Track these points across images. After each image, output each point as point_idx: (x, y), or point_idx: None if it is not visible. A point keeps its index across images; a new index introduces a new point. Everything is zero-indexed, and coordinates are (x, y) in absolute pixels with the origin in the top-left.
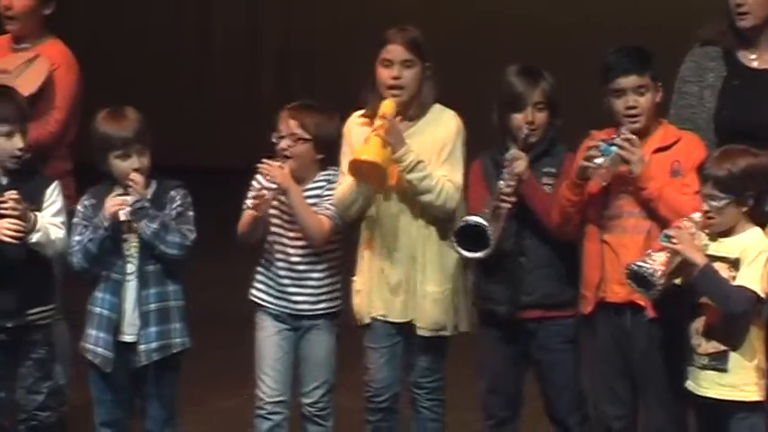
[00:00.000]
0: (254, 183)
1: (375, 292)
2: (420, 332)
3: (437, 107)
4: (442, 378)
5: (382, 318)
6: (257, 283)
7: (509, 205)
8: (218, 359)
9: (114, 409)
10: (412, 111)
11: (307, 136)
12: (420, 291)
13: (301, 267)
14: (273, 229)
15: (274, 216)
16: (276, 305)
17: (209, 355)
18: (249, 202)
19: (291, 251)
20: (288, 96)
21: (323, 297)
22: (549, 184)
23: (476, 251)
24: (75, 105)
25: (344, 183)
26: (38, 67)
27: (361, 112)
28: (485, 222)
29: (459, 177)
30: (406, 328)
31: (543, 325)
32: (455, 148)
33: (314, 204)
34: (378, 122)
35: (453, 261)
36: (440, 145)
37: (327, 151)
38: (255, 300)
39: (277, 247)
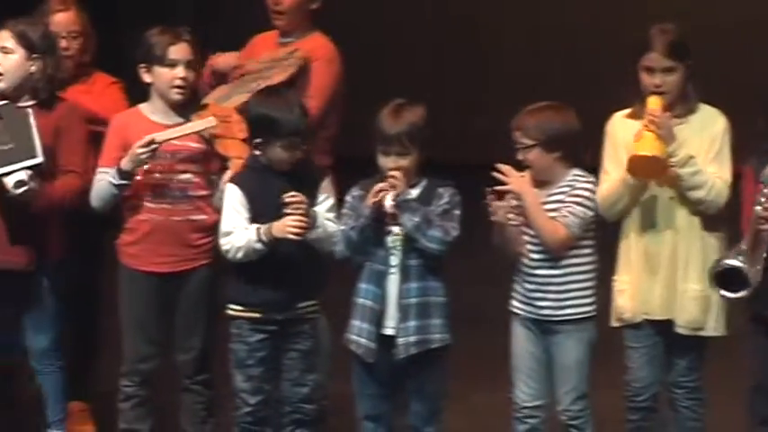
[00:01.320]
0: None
1: (638, 290)
2: (679, 330)
3: (702, 106)
4: (702, 377)
5: (644, 316)
6: (513, 291)
7: None
8: (481, 355)
9: (378, 403)
10: (677, 110)
11: (531, 142)
12: (681, 288)
13: (541, 272)
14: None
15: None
16: (524, 311)
17: (471, 351)
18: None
19: (533, 256)
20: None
21: (568, 302)
22: None
23: (735, 290)
24: (333, 98)
25: (608, 181)
26: (294, 58)
27: (626, 111)
28: (742, 265)
29: (727, 174)
30: (665, 327)
31: None
32: (723, 146)
33: (555, 210)
34: (647, 118)
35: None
36: (708, 142)
37: (563, 147)
38: (510, 308)
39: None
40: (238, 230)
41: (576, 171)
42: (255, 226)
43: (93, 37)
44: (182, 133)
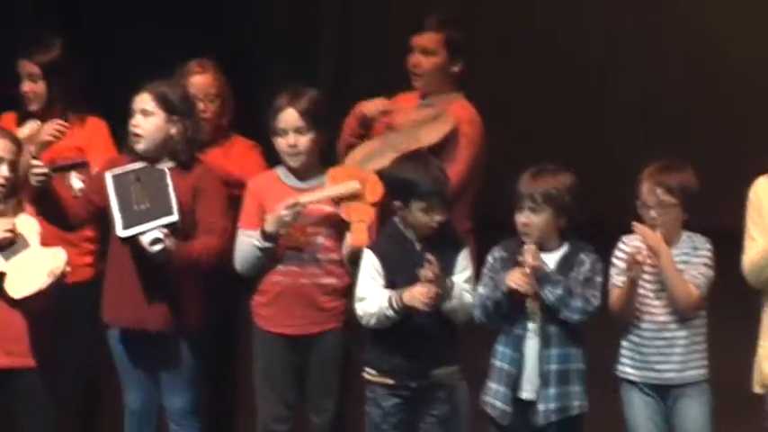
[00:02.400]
0: (619, 245)
1: None
2: None
3: None
4: None
5: None
6: (622, 357)
7: None
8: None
9: None
10: None
11: (674, 201)
12: None
13: (667, 334)
14: (641, 292)
15: (644, 281)
16: (642, 376)
17: (606, 415)
18: (620, 264)
19: (660, 317)
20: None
21: (692, 364)
22: None
23: None
24: (476, 163)
25: (756, 248)
26: (443, 121)
27: None
28: None
29: None
30: None
31: None
32: None
33: (681, 271)
34: None
35: None
36: None
37: (692, 209)
38: (621, 374)
39: (645, 314)
40: (372, 297)
41: (687, 231)
42: (388, 293)
43: (230, 100)
44: (326, 196)
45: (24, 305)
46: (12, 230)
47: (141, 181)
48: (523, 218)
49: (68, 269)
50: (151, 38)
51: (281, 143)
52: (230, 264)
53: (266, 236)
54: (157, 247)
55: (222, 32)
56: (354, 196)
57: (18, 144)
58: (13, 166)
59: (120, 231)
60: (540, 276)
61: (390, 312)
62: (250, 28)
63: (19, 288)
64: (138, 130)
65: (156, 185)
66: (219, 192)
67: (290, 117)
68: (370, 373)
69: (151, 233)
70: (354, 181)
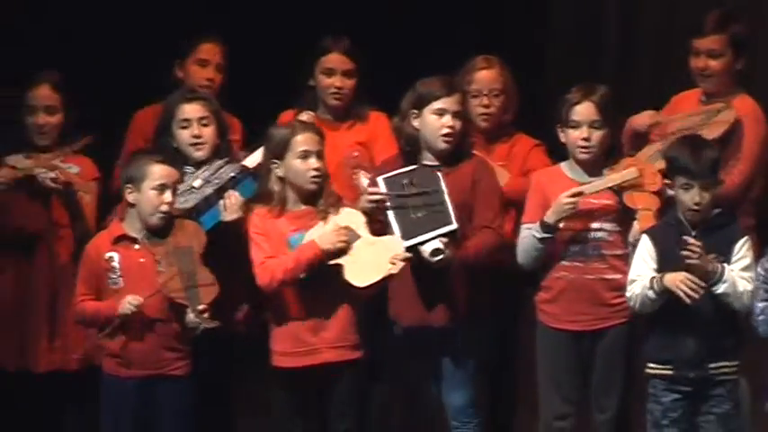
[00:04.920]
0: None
1: None
2: None
3: None
4: None
5: None
6: None
7: None
8: None
9: None
10: None
11: None
12: None
13: None
14: None
15: None
16: None
17: None
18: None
19: None
20: None
21: None
22: None
23: None
24: (760, 160)
25: None
26: (724, 115)
27: None
28: None
29: None
30: None
31: None
32: None
33: None
34: None
35: None
36: None
37: None
38: None
39: None
40: (640, 279)
41: None
42: (651, 275)
43: (515, 96)
44: (608, 185)
45: (359, 295)
46: (346, 238)
47: (415, 185)
48: None
49: (409, 255)
50: (435, 34)
51: (574, 136)
52: (513, 258)
53: (546, 227)
54: (438, 258)
55: (504, 30)
56: (634, 186)
57: (322, 136)
58: (319, 155)
59: (402, 241)
60: None
61: (651, 294)
62: (532, 27)
63: (361, 277)
64: None
65: (429, 189)
66: (496, 185)
67: (586, 110)
68: (650, 367)
69: (431, 244)
70: (633, 168)
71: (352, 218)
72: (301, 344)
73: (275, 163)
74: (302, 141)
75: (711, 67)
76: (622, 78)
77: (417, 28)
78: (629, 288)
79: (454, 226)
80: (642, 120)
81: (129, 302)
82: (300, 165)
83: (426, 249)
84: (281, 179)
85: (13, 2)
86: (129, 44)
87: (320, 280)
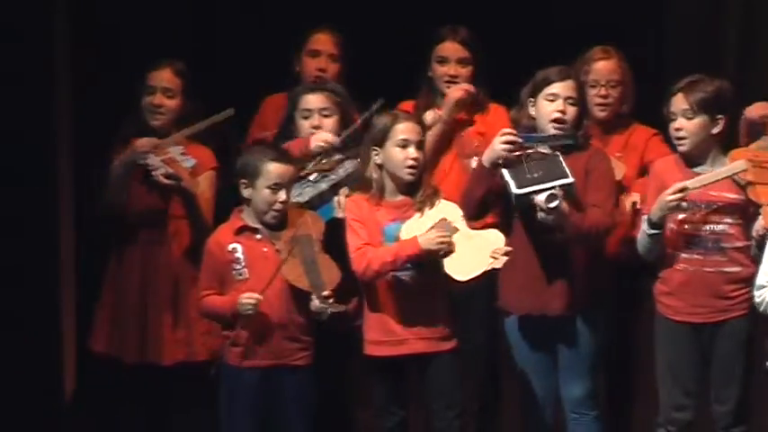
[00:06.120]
0: None
1: None
2: None
3: None
4: None
5: None
6: None
7: None
8: None
9: None
10: None
11: None
12: None
13: None
14: None
15: None
16: None
17: None
18: None
19: None
20: None
21: None
22: None
23: None
24: None
25: None
26: None
27: None
28: None
29: None
30: None
31: None
32: None
33: None
34: None
35: None
36: None
37: None
38: None
39: None
40: None
41: None
42: None
43: (632, 87)
44: (713, 179)
45: (455, 286)
46: (449, 241)
47: (531, 161)
48: None
49: (510, 249)
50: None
51: (671, 128)
52: (633, 249)
53: (651, 223)
54: (554, 204)
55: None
56: (752, 180)
57: (423, 127)
58: (419, 146)
59: (515, 189)
60: None
61: None
62: (653, 19)
63: (462, 270)
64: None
65: (548, 164)
66: (609, 173)
67: (678, 101)
68: None
69: (546, 192)
70: (741, 161)
71: (449, 211)
72: (391, 334)
73: (375, 150)
74: (402, 130)
75: None
76: (743, 69)
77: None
78: (758, 293)
79: (571, 179)
80: (755, 110)
81: (247, 301)
82: (399, 153)
83: (542, 197)
84: (380, 167)
85: None
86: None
87: (412, 270)
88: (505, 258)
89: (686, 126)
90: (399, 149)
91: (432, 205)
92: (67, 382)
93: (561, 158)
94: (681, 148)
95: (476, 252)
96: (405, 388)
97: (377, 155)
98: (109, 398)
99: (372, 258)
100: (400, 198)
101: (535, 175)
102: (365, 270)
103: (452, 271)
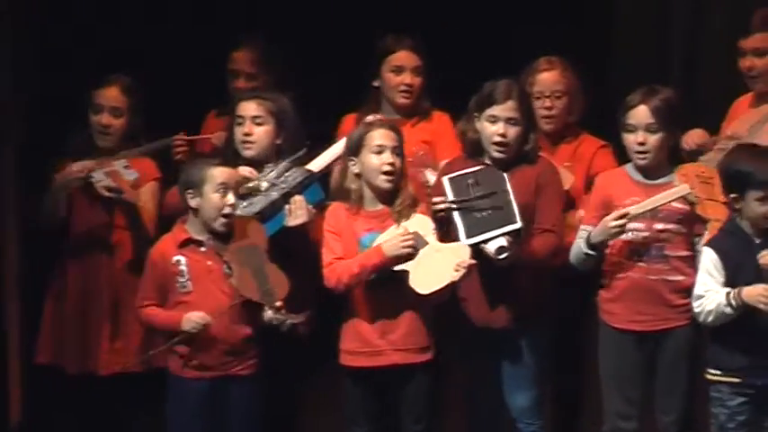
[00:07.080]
0: None
1: None
2: None
3: None
4: None
5: None
6: None
7: None
8: None
9: None
10: None
11: None
12: None
13: None
14: None
15: None
16: None
17: None
18: None
19: None
20: None
21: None
22: None
23: None
24: None
25: None
26: None
27: None
28: None
29: None
30: None
31: None
32: None
33: None
34: None
35: None
36: None
37: None
38: None
39: None
40: (710, 294)
41: None
42: (726, 290)
43: (580, 97)
44: (655, 205)
45: (427, 300)
46: (412, 245)
47: (481, 185)
48: None
49: (474, 262)
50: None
51: (630, 140)
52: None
53: (591, 245)
54: (502, 256)
55: (572, 30)
56: (701, 196)
57: (399, 134)
58: (395, 152)
59: (465, 240)
60: None
61: (729, 310)
62: (601, 26)
63: (425, 283)
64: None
65: (495, 190)
66: (560, 188)
67: (640, 114)
68: (713, 373)
69: (496, 241)
70: (685, 185)
71: (421, 224)
72: (368, 345)
73: (352, 160)
74: (377, 136)
75: (757, 66)
76: (690, 81)
77: (486, 28)
78: (696, 303)
79: (518, 225)
80: (692, 140)
81: (195, 321)
82: (374, 160)
83: (491, 248)
84: (358, 176)
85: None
86: None
87: (388, 282)
88: (465, 271)
89: (650, 140)
90: (375, 156)
91: (408, 216)
92: (12, 394)
93: (508, 185)
94: (641, 162)
95: (441, 265)
96: (376, 402)
97: (354, 164)
98: (55, 410)
99: (341, 272)
100: (380, 207)
101: (484, 214)
102: (336, 284)
103: (415, 284)
